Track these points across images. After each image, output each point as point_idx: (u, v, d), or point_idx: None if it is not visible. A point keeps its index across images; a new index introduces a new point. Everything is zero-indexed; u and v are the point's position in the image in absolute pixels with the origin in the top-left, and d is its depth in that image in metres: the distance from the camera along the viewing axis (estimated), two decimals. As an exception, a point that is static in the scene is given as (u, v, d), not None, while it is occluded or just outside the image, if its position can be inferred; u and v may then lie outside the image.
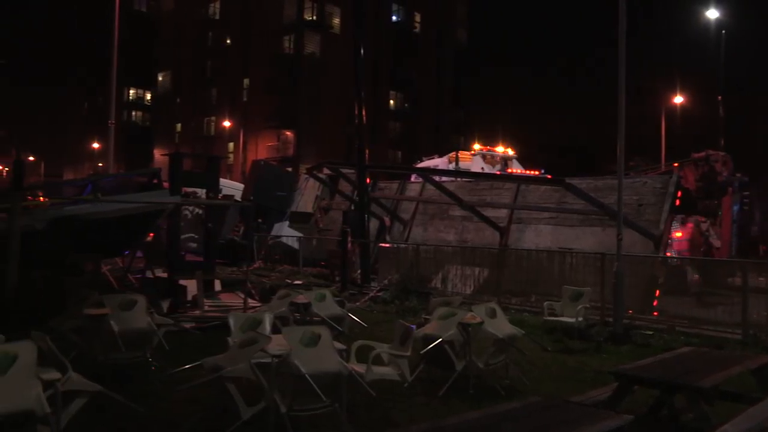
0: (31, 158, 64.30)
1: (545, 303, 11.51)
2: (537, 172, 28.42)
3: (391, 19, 63.07)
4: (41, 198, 18.48)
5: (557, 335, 11.01)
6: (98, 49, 59.06)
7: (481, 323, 7.89)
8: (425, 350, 7.64)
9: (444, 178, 21.04)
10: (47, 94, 77.63)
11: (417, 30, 65.38)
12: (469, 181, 20.33)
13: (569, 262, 13.86)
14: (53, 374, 5.16)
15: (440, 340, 7.59)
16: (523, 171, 28.44)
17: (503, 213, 17.78)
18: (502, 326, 8.22)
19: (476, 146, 30.84)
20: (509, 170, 28.49)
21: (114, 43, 28.35)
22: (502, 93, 72.44)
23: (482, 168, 27.63)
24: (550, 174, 26.35)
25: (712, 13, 33.06)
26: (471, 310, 8.24)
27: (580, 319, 10.71)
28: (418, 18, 65.51)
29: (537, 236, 16.76)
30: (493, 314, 8.28)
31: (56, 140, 77.20)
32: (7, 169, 51.40)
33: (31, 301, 10.12)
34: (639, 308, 12.58)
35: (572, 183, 15.68)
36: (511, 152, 30.25)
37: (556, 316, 11.12)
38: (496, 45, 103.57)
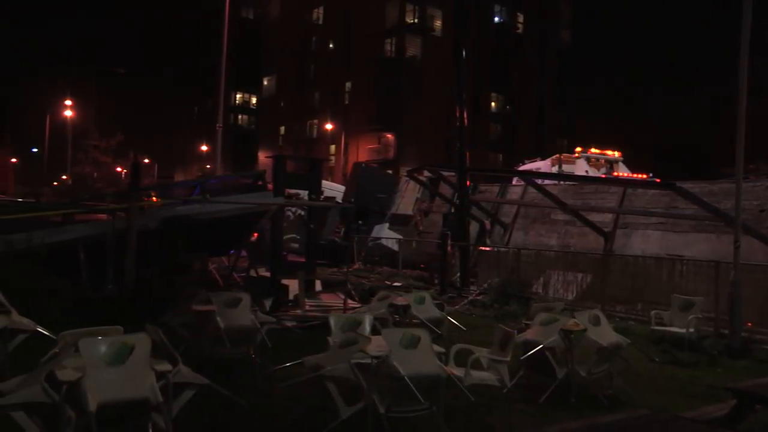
0: (146, 161, 67.90)
1: (652, 312, 11.01)
2: (644, 176, 27.32)
3: (492, 20, 62.37)
4: (154, 198, 19.40)
5: (665, 346, 10.47)
6: (208, 56, 61.73)
7: (584, 330, 7.63)
8: (526, 356, 7.49)
9: (546, 182, 20.58)
10: (160, 100, 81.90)
11: (519, 31, 64.32)
12: (573, 185, 19.80)
13: (679, 269, 13.20)
14: (165, 366, 5.39)
15: (541, 346, 7.41)
16: (630, 174, 27.42)
17: (608, 217, 17.21)
18: (606, 334, 7.92)
19: (580, 149, 30.05)
20: (615, 173, 27.56)
21: (223, 50, 29.48)
22: (608, 94, 70.26)
23: (586, 171, 26.90)
24: (658, 177, 25.28)
25: None
26: (573, 317, 8.00)
27: (692, 330, 10.16)
28: (520, 18, 64.45)
29: (644, 242, 16.10)
30: (596, 321, 7.99)
31: (168, 143, 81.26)
32: (125, 171, 54.46)
33: (145, 296, 10.65)
34: (760, 321, 11.78)
35: (684, 187, 14.96)
36: (617, 155, 29.27)
37: (664, 325, 10.62)
38: (602, 45, 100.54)
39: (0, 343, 6.69)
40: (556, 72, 65.03)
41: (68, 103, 52.31)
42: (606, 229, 16.80)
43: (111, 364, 5.13)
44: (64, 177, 59.12)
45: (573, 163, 27.79)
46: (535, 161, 30.38)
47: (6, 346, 6.75)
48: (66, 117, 52.30)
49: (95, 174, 53.20)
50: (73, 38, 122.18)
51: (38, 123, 60.70)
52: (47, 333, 6.96)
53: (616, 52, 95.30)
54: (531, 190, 19.67)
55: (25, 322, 7.15)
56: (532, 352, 7.41)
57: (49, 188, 56.38)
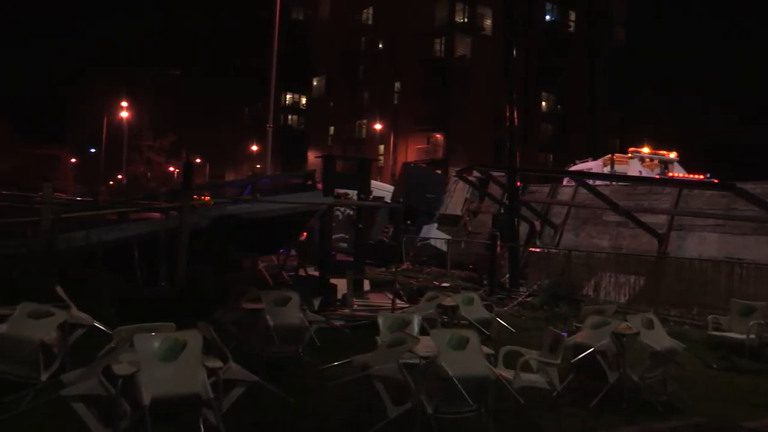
0: (198, 160, 69.24)
1: (710, 316, 10.68)
2: (701, 176, 26.56)
3: (544, 18, 61.60)
4: (206, 197, 19.75)
5: (723, 352, 10.12)
6: (258, 57, 62.54)
7: (637, 334, 7.45)
8: (576, 359, 7.35)
9: (598, 182, 20.20)
10: (212, 101, 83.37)
11: (571, 29, 63.38)
12: (625, 185, 19.38)
13: (739, 273, 12.78)
14: (216, 363, 5.47)
15: (592, 349, 7.27)
16: (686, 175, 26.68)
17: (662, 219, 16.80)
18: (659, 338, 7.71)
19: (633, 149, 29.41)
20: (670, 174, 26.87)
21: (273, 51, 29.87)
22: (663, 92, 68.66)
23: (639, 171, 26.28)
24: (716, 178, 24.56)
25: None
26: (626, 320, 7.82)
27: (753, 336, 9.79)
28: (572, 17, 63.50)
29: (700, 244, 15.65)
30: (650, 325, 7.79)
31: (219, 143, 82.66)
32: (177, 170, 55.69)
33: (196, 293, 10.83)
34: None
35: (744, 188, 14.49)
36: (672, 155, 28.53)
37: (722, 331, 10.28)
38: (658, 42, 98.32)
39: (61, 337, 6.89)
40: (609, 70, 63.82)
41: (124, 104, 53.69)
42: (660, 231, 16.40)
43: (164, 360, 5.23)
44: (119, 177, 60.74)
45: (626, 163, 27.19)
46: (587, 161, 29.85)
47: (66, 339, 6.95)
48: (122, 118, 53.72)
49: (148, 174, 54.52)
50: (128, 39, 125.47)
51: (96, 124, 62.53)
52: (103, 328, 7.15)
53: (671, 49, 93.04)
54: (582, 190, 19.33)
55: (83, 316, 7.36)
56: (582, 355, 7.27)
57: (106, 187, 58.07)
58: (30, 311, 6.81)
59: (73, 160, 74.95)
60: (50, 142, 66.04)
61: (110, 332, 6.32)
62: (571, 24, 63.61)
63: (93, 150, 73.73)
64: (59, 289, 7.51)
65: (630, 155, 28.17)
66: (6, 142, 54.82)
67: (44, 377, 6.43)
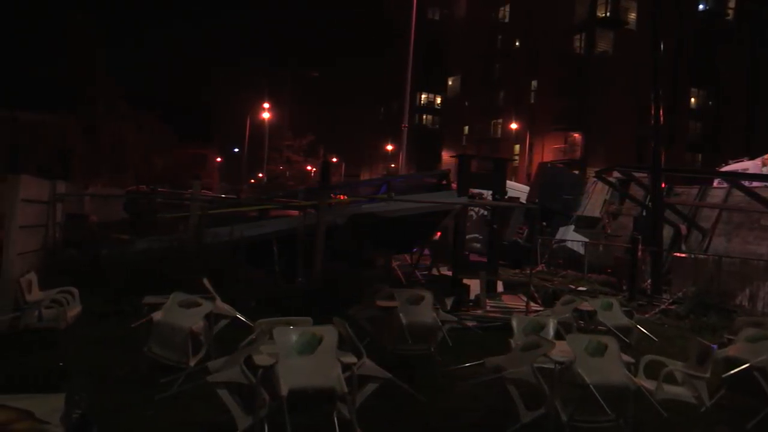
0: (334, 160, 71.19)
1: None
2: None
3: (697, 8, 57.78)
4: (342, 196, 20.25)
5: None
6: (394, 57, 63.42)
7: (805, 352, 6.80)
8: (728, 374, 6.82)
9: (755, 184, 18.73)
10: (348, 101, 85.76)
11: (729, 18, 58.98)
12: (790, 188, 17.84)
13: None
14: (350, 358, 5.58)
15: (748, 365, 6.72)
16: None
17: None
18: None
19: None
20: None
21: (410, 51, 30.12)
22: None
23: (806, 172, 24.09)
24: None
25: None
26: (789, 335, 7.16)
27: None
28: (731, 4, 59.03)
29: None
30: (820, 343, 7.08)
31: (355, 143, 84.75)
32: (315, 169, 57.51)
33: (332, 289, 11.13)
34: None
35: None
36: None
37: None
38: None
39: (207, 326, 7.31)
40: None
41: (266, 105, 56.19)
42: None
43: (301, 353, 5.41)
44: (260, 175, 63.67)
45: (789, 162, 25.04)
46: (742, 161, 27.73)
47: (211, 329, 7.37)
48: (263, 119, 56.25)
49: (288, 172, 56.72)
50: (269, 42, 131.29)
51: (239, 124, 66.05)
52: (245, 320, 7.50)
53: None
54: (736, 192, 18.02)
55: (227, 308, 7.77)
56: (736, 370, 6.73)
57: (248, 185, 61.08)
58: (181, 301, 7.28)
59: (219, 159, 79.57)
60: (199, 142, 70.58)
61: (251, 324, 6.63)
62: (729, 12, 59.17)
63: (236, 150, 77.91)
64: (206, 281, 7.98)
65: (795, 154, 25.89)
66: (163, 142, 59.14)
67: (192, 363, 6.85)
